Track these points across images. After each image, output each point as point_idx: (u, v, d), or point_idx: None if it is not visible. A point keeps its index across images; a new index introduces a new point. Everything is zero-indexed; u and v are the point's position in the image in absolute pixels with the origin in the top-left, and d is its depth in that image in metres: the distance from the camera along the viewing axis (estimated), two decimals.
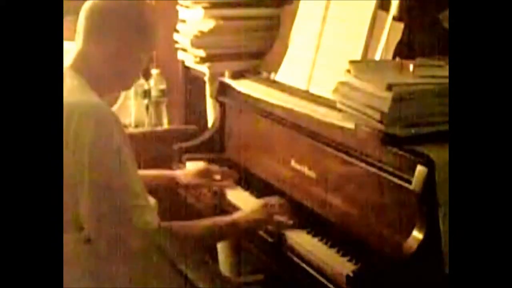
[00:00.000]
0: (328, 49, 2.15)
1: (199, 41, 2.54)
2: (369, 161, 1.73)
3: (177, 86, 3.02)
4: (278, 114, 2.12)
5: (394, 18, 1.98)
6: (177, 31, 2.69)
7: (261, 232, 1.92)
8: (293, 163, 2.04)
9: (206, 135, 2.51)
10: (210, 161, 2.36)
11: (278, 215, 1.91)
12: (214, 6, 2.53)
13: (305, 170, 1.99)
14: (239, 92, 2.36)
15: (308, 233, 1.84)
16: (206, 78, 2.60)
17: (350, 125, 1.76)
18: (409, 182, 1.58)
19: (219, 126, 2.48)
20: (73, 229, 1.69)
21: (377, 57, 1.99)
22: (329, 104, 1.92)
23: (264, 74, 2.44)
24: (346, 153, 1.81)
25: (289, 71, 2.30)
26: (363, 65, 1.90)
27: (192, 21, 2.61)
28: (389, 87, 1.61)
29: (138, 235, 1.69)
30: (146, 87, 2.92)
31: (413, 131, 1.63)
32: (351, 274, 1.54)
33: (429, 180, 1.54)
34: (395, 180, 1.64)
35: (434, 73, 1.73)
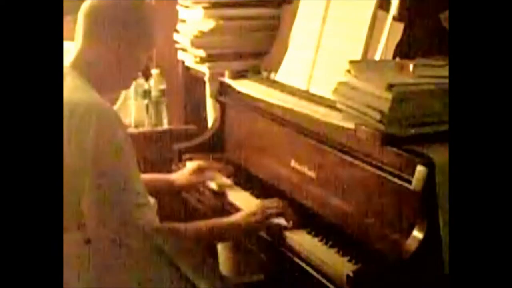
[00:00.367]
0: (328, 49, 2.15)
1: (199, 41, 2.55)
2: (369, 161, 1.73)
3: (177, 86, 3.03)
4: (278, 114, 2.12)
5: (394, 18, 1.98)
6: (177, 31, 2.69)
7: (261, 232, 1.91)
8: (293, 163, 2.04)
9: (206, 135, 2.51)
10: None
11: (278, 216, 1.90)
12: (214, 6, 2.53)
13: (305, 170, 1.99)
14: (239, 92, 2.36)
15: (308, 233, 1.84)
16: (206, 78, 2.60)
17: (350, 125, 1.76)
18: (409, 182, 1.58)
19: (219, 126, 2.48)
20: (74, 228, 1.69)
21: (377, 57, 1.99)
22: (329, 104, 1.93)
23: (264, 74, 2.44)
24: (346, 153, 1.81)
25: (289, 71, 2.30)
26: (363, 65, 1.90)
27: (192, 21, 2.61)
28: (389, 87, 1.62)
29: (138, 234, 1.69)
30: (146, 87, 2.93)
31: (413, 131, 1.63)
32: (351, 274, 1.54)
33: (429, 180, 1.54)
34: (395, 180, 1.64)
35: (434, 73, 1.73)
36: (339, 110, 1.82)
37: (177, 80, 3.01)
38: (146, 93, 2.93)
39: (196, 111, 2.92)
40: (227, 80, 2.45)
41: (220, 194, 2.19)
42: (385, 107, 1.61)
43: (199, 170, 2.23)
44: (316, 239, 1.81)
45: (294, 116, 2.04)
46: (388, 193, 1.67)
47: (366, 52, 2.01)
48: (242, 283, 2.36)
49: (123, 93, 2.91)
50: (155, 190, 2.07)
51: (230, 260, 2.53)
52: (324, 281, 1.66)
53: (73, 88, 1.73)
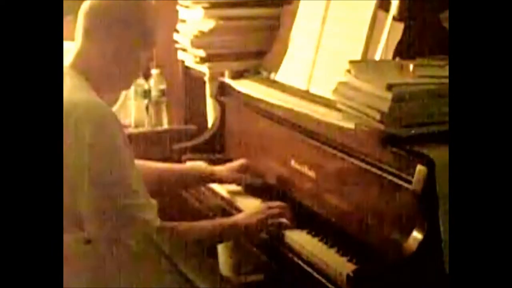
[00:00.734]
0: (328, 49, 2.15)
1: (199, 41, 2.54)
2: (369, 161, 1.73)
3: (177, 86, 3.02)
4: (278, 114, 2.12)
5: (394, 18, 1.98)
6: (177, 31, 2.69)
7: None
8: (293, 163, 2.04)
9: (206, 135, 2.51)
10: (210, 161, 2.36)
11: (279, 217, 1.90)
12: (214, 6, 2.53)
13: (305, 170, 1.99)
14: (239, 92, 2.36)
15: (308, 233, 1.84)
16: (206, 78, 2.60)
17: (350, 125, 1.76)
18: (409, 182, 1.58)
19: (219, 126, 2.48)
20: (73, 229, 1.69)
21: (377, 57, 1.98)
22: (329, 104, 1.92)
23: (264, 74, 2.44)
24: (346, 153, 1.81)
25: (289, 71, 2.30)
26: (363, 65, 1.90)
27: (192, 21, 2.61)
28: (389, 87, 1.61)
29: (138, 234, 1.69)
30: (146, 87, 2.92)
31: (413, 131, 1.63)
32: (351, 274, 1.54)
33: (429, 180, 1.54)
34: (395, 180, 1.64)
35: (434, 73, 1.73)
36: (339, 110, 1.82)
37: (177, 80, 3.01)
38: (146, 93, 2.93)
39: (196, 111, 2.92)
40: (227, 80, 2.45)
41: (220, 195, 2.19)
42: (385, 107, 1.61)
43: (243, 169, 2.22)
44: (316, 239, 1.81)
45: (294, 116, 2.04)
46: (388, 193, 1.67)
47: (366, 52, 2.01)
48: (242, 283, 2.36)
49: (123, 93, 2.91)
50: (181, 179, 2.13)
51: (230, 260, 2.52)
52: (324, 281, 1.66)
53: (71, 88, 1.73)
